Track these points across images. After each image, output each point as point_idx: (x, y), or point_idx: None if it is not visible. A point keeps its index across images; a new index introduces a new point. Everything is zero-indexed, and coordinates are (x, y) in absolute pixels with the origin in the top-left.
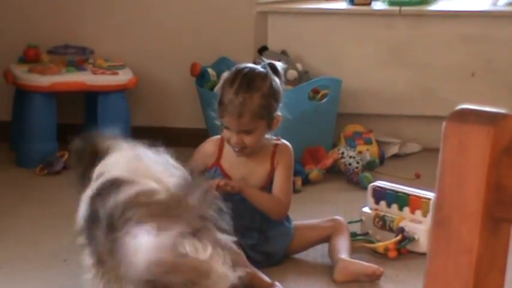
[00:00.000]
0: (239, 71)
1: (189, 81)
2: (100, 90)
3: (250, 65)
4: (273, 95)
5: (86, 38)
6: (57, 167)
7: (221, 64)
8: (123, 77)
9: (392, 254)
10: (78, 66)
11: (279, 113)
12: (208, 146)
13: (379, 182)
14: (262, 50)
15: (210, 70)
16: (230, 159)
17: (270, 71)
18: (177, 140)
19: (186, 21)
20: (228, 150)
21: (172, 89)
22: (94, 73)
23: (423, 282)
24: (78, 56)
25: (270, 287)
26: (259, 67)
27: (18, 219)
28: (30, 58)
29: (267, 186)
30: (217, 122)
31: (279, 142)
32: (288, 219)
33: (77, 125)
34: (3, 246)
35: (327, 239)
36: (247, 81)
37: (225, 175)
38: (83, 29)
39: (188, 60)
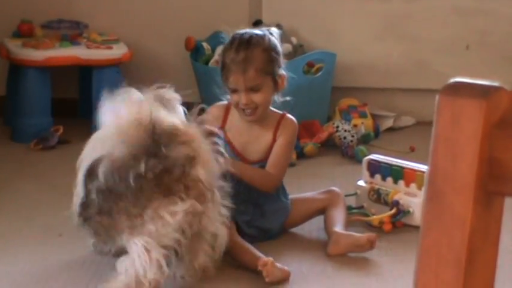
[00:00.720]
0: (237, 34)
1: (184, 56)
2: (94, 65)
3: (248, 29)
4: (273, 50)
5: (80, 12)
6: (52, 141)
7: (216, 38)
8: (118, 51)
9: (387, 227)
10: (72, 40)
11: (283, 72)
12: (214, 110)
13: (374, 155)
14: (257, 23)
15: (204, 44)
16: (234, 126)
17: (267, 32)
18: None
19: None
20: (233, 116)
21: (167, 64)
22: (88, 47)
23: (416, 256)
24: (72, 31)
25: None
26: (256, 30)
27: (13, 194)
28: (24, 33)
29: (267, 158)
30: (224, 99)
31: (285, 115)
32: (285, 194)
33: (71, 100)
34: None
35: (323, 210)
36: (246, 39)
37: (227, 141)
38: (77, 3)
39: (183, 34)
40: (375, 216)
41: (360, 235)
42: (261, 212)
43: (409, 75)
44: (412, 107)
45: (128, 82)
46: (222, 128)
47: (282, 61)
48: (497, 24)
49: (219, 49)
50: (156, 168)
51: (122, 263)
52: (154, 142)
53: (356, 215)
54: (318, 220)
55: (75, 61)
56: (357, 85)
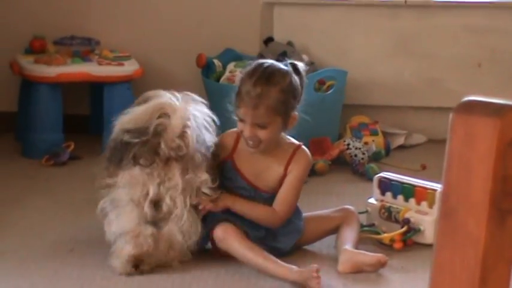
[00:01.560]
0: (260, 65)
1: (195, 72)
2: (106, 81)
3: (273, 61)
4: (291, 92)
5: (92, 29)
6: (63, 157)
7: (227, 55)
8: (129, 68)
9: (398, 245)
10: (84, 57)
11: (296, 112)
12: (225, 138)
13: (384, 173)
14: (268, 41)
15: (215, 61)
16: (244, 155)
17: (291, 69)
18: None
19: (192, 12)
20: (243, 144)
21: (178, 80)
22: (100, 64)
23: (430, 274)
24: (84, 47)
25: (291, 272)
26: (281, 64)
27: (25, 210)
28: (36, 49)
29: (278, 189)
30: (234, 116)
31: (299, 148)
32: (298, 215)
33: (82, 116)
34: (9, 236)
35: (337, 229)
36: (267, 74)
37: (237, 170)
38: (89, 20)
39: (194, 51)
40: (385, 234)
41: (371, 254)
42: (273, 233)
43: (420, 93)
44: (424, 125)
45: None
46: (231, 156)
47: (300, 99)
48: (508, 42)
49: (231, 66)
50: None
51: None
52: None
53: (367, 233)
54: (329, 237)
55: (87, 77)
56: (368, 103)
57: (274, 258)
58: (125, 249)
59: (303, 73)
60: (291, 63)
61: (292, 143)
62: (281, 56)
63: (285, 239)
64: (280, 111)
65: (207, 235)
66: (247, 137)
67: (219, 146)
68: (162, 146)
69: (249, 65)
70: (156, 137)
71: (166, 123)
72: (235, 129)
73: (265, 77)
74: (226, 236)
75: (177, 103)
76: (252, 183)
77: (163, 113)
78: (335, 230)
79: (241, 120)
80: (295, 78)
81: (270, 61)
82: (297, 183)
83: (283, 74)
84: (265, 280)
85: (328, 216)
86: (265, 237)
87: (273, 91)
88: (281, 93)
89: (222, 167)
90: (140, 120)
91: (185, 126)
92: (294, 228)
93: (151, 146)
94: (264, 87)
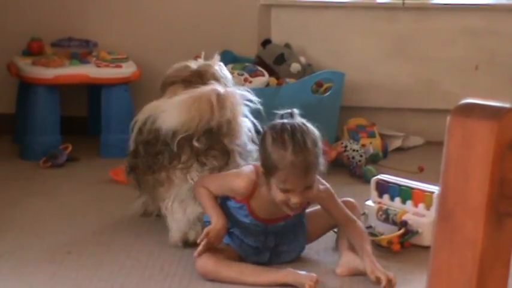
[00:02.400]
0: (283, 131)
1: None
2: (103, 83)
3: (278, 121)
4: (318, 140)
5: (90, 30)
6: (61, 159)
7: (224, 57)
8: (127, 69)
9: (395, 247)
10: (82, 59)
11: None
12: (243, 186)
13: (382, 175)
14: (266, 43)
15: None
16: (260, 200)
17: (299, 119)
18: None
19: (189, 14)
20: (261, 193)
21: None
22: (97, 66)
23: (427, 276)
24: (81, 49)
25: (287, 275)
26: (288, 121)
27: (22, 212)
28: (33, 51)
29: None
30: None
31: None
32: (303, 231)
33: (80, 118)
34: (7, 239)
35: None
36: (298, 138)
37: (251, 213)
38: (87, 21)
39: (191, 53)
40: (383, 237)
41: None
42: (276, 253)
43: (418, 95)
44: (421, 127)
45: (136, 100)
46: (247, 201)
47: None
48: (506, 44)
49: (228, 68)
50: (202, 144)
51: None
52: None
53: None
54: (326, 240)
55: (85, 79)
56: (366, 105)
57: (264, 268)
58: (190, 234)
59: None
60: (289, 113)
61: None
62: (264, 45)
63: (288, 255)
64: (319, 164)
65: None
66: (298, 203)
67: (230, 189)
68: (226, 141)
69: (266, 134)
70: (216, 132)
71: (227, 117)
72: (248, 171)
73: (299, 141)
74: (206, 271)
75: (230, 92)
76: (264, 221)
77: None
78: (336, 226)
79: (287, 191)
80: (310, 126)
81: (281, 122)
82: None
83: (304, 128)
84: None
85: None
86: (269, 260)
87: (311, 150)
88: (314, 147)
89: (236, 208)
90: (206, 110)
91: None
92: (298, 245)
93: (213, 142)
94: (305, 151)
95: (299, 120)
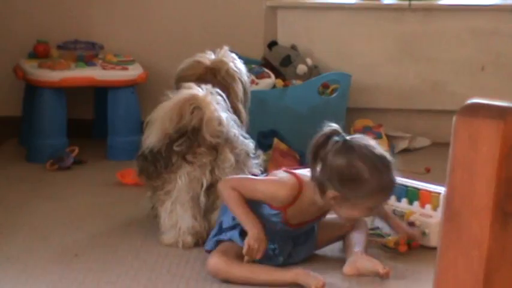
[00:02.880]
0: (373, 155)
1: None
2: (110, 86)
3: (355, 143)
4: None
5: (96, 33)
6: (67, 162)
7: None
8: (133, 72)
9: (402, 248)
10: (88, 61)
11: None
12: (288, 195)
13: None
14: (272, 44)
15: None
16: (298, 209)
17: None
18: None
19: (195, 16)
20: (301, 201)
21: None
22: (104, 68)
23: (434, 276)
24: (87, 51)
25: (297, 274)
26: (352, 141)
27: (29, 214)
28: (40, 53)
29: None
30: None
31: None
32: (313, 236)
33: (86, 121)
34: (14, 241)
35: (346, 234)
36: (387, 162)
37: (286, 221)
38: (93, 24)
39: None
40: (390, 238)
41: (373, 263)
42: (289, 255)
43: (424, 96)
44: (428, 128)
45: (143, 103)
46: (285, 209)
47: None
48: None
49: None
50: (184, 146)
51: (163, 224)
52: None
53: (371, 237)
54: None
55: (91, 82)
56: (372, 106)
57: (275, 267)
58: (186, 239)
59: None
60: (336, 130)
61: None
62: (270, 46)
63: (298, 256)
64: None
65: (215, 243)
66: (366, 217)
67: (272, 197)
68: (207, 137)
69: (352, 161)
70: (195, 132)
71: (201, 116)
72: (292, 181)
73: (387, 164)
74: (217, 270)
75: (202, 93)
76: (293, 226)
77: (194, 106)
78: (344, 236)
79: (369, 209)
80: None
81: (359, 145)
82: None
83: (377, 147)
84: None
85: (338, 222)
86: (282, 264)
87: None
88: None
89: (271, 214)
90: (173, 119)
91: (218, 112)
92: (308, 249)
93: (194, 141)
94: (388, 173)
95: (357, 138)
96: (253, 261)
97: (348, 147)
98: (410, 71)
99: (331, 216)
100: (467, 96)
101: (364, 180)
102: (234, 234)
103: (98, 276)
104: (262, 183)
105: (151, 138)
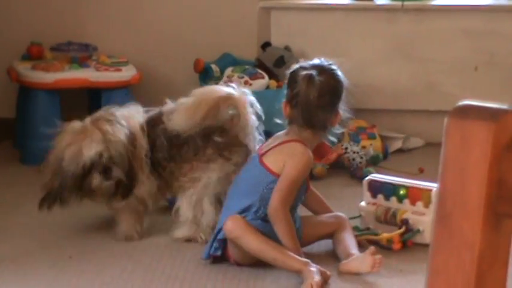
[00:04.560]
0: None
1: (193, 78)
2: (103, 87)
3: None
4: None
5: (89, 35)
6: None
7: (224, 60)
8: (127, 73)
9: (396, 246)
10: (82, 63)
11: None
12: (311, 160)
13: (374, 175)
14: (266, 45)
15: (213, 66)
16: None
17: None
18: None
19: (189, 18)
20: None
21: (175, 85)
22: (97, 70)
23: (426, 277)
24: (81, 53)
25: (304, 265)
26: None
27: (23, 217)
28: (33, 55)
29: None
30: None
31: None
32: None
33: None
34: (8, 243)
35: (331, 235)
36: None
37: (307, 180)
38: (86, 26)
39: (191, 56)
40: (384, 235)
41: (365, 265)
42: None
43: (417, 96)
44: (421, 129)
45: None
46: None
47: None
48: (506, 45)
49: (228, 71)
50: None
51: (184, 214)
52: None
53: (365, 235)
54: (326, 242)
55: (85, 83)
56: (366, 107)
57: (286, 250)
58: (206, 235)
59: None
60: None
61: None
62: (263, 47)
63: None
64: None
65: (220, 245)
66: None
67: (309, 163)
68: (242, 138)
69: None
70: (230, 131)
71: (237, 117)
72: (300, 146)
73: None
74: (236, 227)
75: (237, 94)
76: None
77: (230, 104)
78: (329, 236)
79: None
80: None
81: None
82: None
83: None
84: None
85: (323, 221)
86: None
87: None
88: None
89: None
90: (208, 113)
91: (252, 116)
92: (300, 232)
93: (231, 139)
94: None
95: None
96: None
97: (322, 70)
98: (404, 71)
99: (314, 216)
100: (460, 96)
101: (339, 83)
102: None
103: (92, 278)
104: (292, 170)
105: (179, 122)
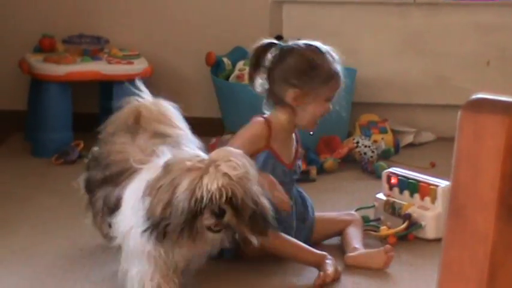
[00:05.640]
0: (315, 48)
1: (204, 71)
2: (115, 80)
3: (297, 44)
4: None
5: (101, 27)
6: (73, 156)
7: (236, 53)
8: (138, 66)
9: (391, 240)
10: (93, 55)
11: None
12: (260, 129)
13: (393, 168)
14: (277, 39)
15: (225, 59)
16: (278, 140)
17: None
18: (192, 130)
19: (201, 11)
20: (276, 132)
21: (187, 79)
22: (109, 62)
23: (438, 270)
24: (93, 46)
25: (323, 258)
26: (290, 43)
27: (34, 209)
28: (45, 48)
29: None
30: (266, 112)
31: None
32: (313, 210)
33: (92, 115)
34: (19, 235)
35: (342, 232)
36: (321, 50)
37: (277, 157)
38: (98, 18)
39: (203, 49)
40: (382, 229)
41: (377, 261)
42: (290, 226)
43: (429, 90)
44: (433, 123)
45: None
46: (268, 145)
47: None
48: None
49: (240, 64)
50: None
51: None
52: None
53: (369, 228)
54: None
55: (96, 76)
56: (377, 101)
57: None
58: None
59: None
60: (281, 46)
61: None
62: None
63: (299, 234)
64: None
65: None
66: (326, 113)
67: (250, 139)
68: None
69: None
70: None
71: None
72: (259, 118)
73: (334, 55)
74: None
75: None
76: (288, 166)
77: None
78: (340, 233)
79: (328, 100)
80: None
81: (305, 44)
82: None
83: None
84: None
85: (335, 219)
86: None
87: None
88: None
89: (264, 158)
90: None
91: None
92: (310, 225)
93: None
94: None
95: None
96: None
97: (290, 48)
98: (415, 66)
99: (328, 213)
100: (472, 91)
101: (318, 66)
102: None
103: (103, 270)
104: (240, 137)
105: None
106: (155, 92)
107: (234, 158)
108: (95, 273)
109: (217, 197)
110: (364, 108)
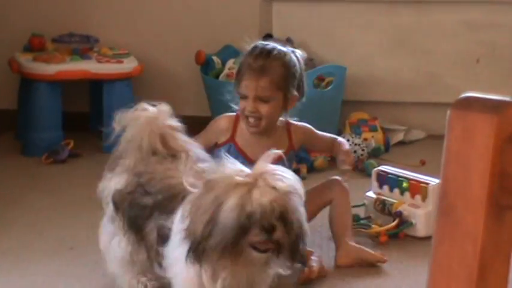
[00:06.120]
0: (260, 43)
1: (194, 69)
2: (105, 79)
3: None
4: (292, 69)
5: (91, 26)
6: (63, 155)
7: (226, 52)
8: (128, 65)
9: (382, 238)
10: (83, 54)
11: (295, 93)
12: (223, 122)
13: (383, 166)
14: (267, 37)
15: (215, 58)
16: (245, 138)
17: (291, 50)
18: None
19: (191, 9)
20: (242, 127)
21: (177, 77)
22: (99, 61)
23: (428, 270)
24: (83, 45)
25: (308, 255)
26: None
27: (24, 208)
28: (35, 47)
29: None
30: (234, 106)
31: (289, 123)
32: None
33: (82, 114)
34: (9, 235)
35: (329, 203)
36: (268, 49)
37: (240, 152)
38: (88, 17)
39: (193, 48)
40: (374, 226)
41: (372, 253)
42: None
43: (419, 88)
44: (423, 121)
45: (138, 96)
46: (233, 139)
47: (299, 84)
48: (507, 37)
49: (230, 62)
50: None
51: None
52: None
53: (360, 226)
54: (326, 230)
55: (86, 75)
56: (367, 99)
57: None
58: None
59: (301, 58)
60: (291, 49)
61: (282, 123)
62: (265, 39)
63: None
64: (282, 86)
65: None
66: (249, 112)
67: (214, 130)
68: None
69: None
70: None
71: None
72: (231, 113)
73: (266, 51)
74: None
75: None
76: (252, 162)
77: None
78: (327, 204)
79: (243, 97)
80: (294, 58)
81: (273, 43)
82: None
83: (284, 52)
84: None
85: (319, 190)
86: None
87: (275, 65)
88: (282, 68)
89: (225, 150)
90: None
91: None
92: None
93: None
94: (265, 60)
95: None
96: None
97: (268, 51)
98: (406, 63)
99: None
100: (462, 88)
101: (240, 63)
102: None
103: (93, 269)
104: (204, 129)
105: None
106: (145, 90)
107: (280, 172)
108: (86, 271)
109: (269, 211)
110: (354, 106)
